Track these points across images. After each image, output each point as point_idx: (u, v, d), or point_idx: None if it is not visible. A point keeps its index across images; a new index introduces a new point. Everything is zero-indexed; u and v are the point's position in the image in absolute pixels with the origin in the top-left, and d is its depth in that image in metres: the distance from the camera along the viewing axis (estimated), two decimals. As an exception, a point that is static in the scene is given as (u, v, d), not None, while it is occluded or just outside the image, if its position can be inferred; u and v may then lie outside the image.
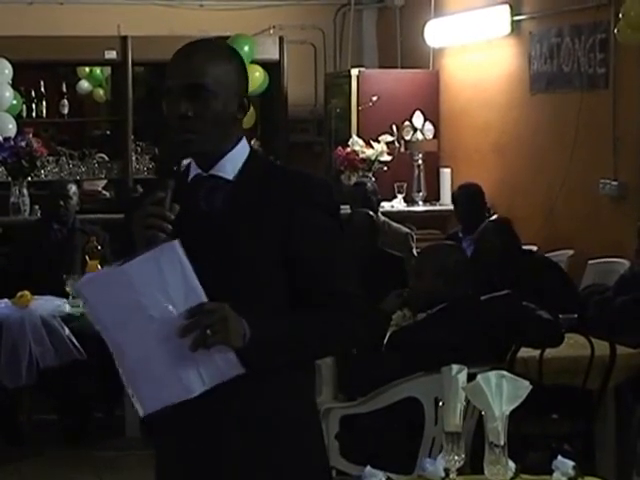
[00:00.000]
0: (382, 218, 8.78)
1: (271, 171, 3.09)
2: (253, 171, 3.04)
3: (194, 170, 3.08)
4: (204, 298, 2.78)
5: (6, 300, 7.69)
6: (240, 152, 3.06)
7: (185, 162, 3.11)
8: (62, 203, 8.50)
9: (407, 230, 8.72)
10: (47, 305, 7.59)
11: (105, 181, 11.67)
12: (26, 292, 7.61)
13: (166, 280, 2.77)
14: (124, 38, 11.06)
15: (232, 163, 3.04)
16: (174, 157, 3.07)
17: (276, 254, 2.95)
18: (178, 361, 2.77)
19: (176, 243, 2.80)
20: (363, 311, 3.06)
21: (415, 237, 8.63)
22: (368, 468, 3.84)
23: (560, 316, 6.26)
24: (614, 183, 8.37)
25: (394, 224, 8.77)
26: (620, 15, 7.61)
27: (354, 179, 9.90)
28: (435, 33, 10.56)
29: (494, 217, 7.72)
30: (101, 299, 2.86)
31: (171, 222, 2.90)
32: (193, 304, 2.76)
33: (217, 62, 3.01)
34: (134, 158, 11.47)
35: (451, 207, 9.00)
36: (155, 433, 3.11)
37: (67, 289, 7.76)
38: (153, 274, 2.78)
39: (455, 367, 3.88)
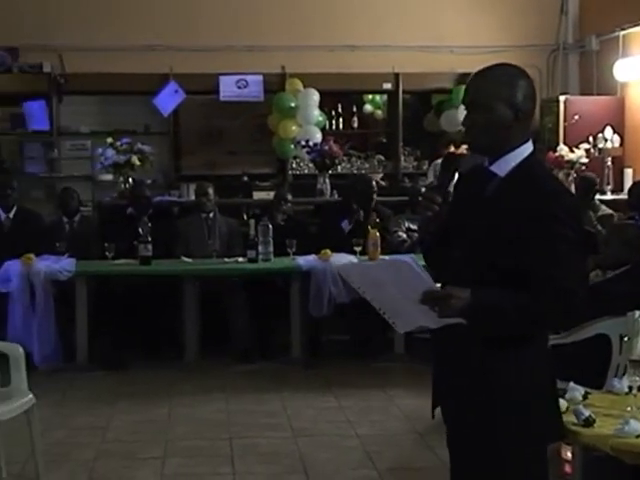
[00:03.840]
0: (597, 202, 8.66)
1: (532, 176, 2.84)
2: (522, 172, 2.84)
3: (486, 163, 2.94)
4: (434, 286, 2.76)
5: (313, 255, 7.80)
6: (519, 153, 2.86)
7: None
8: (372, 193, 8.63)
9: (611, 212, 8.48)
10: (342, 259, 7.65)
11: (382, 174, 11.69)
12: (327, 250, 7.71)
13: (398, 275, 2.80)
14: (397, 74, 11.04)
15: (507, 162, 2.86)
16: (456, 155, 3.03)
17: (509, 241, 2.77)
18: (415, 309, 2.77)
19: (409, 260, 2.78)
20: (566, 303, 2.71)
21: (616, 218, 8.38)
22: (571, 384, 3.75)
23: None
24: None
25: (604, 206, 8.60)
26: None
27: (560, 175, 9.67)
28: (622, 70, 10.19)
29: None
30: (356, 274, 2.98)
31: (439, 203, 2.89)
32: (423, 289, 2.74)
33: (487, 82, 2.88)
34: (402, 158, 11.47)
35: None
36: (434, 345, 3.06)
37: (355, 248, 7.83)
38: (387, 271, 2.84)
39: (637, 312, 3.76)
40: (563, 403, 3.56)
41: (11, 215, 8.38)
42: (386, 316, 2.92)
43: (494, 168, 2.89)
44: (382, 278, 2.84)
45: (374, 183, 8.85)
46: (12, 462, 5.26)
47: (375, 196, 8.65)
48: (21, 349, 5.21)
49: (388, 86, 11.17)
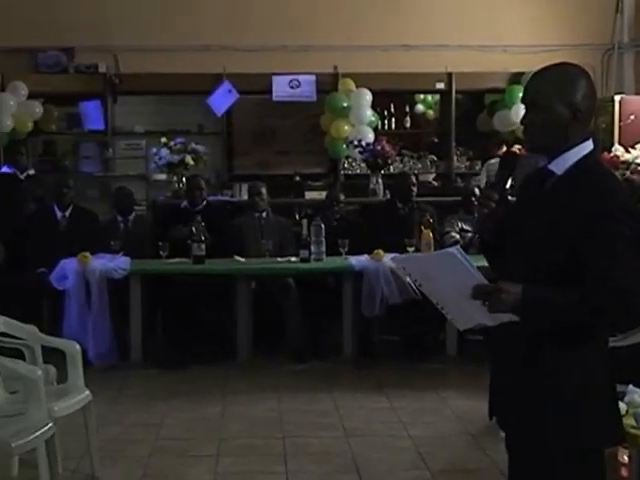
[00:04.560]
0: (645, 201, 8.55)
1: (589, 173, 2.83)
2: (579, 170, 2.83)
3: (545, 162, 2.93)
4: (483, 280, 2.73)
5: (365, 255, 7.79)
6: (577, 152, 2.86)
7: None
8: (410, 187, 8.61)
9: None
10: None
11: (434, 174, 11.65)
12: (380, 250, 7.69)
13: (446, 268, 2.78)
14: (450, 74, 11.00)
15: (564, 160, 2.86)
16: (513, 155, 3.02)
17: (566, 238, 2.74)
18: (469, 305, 2.75)
19: (454, 250, 2.77)
20: (625, 303, 2.64)
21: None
22: (630, 386, 3.71)
23: None
24: None
25: (654, 206, 8.48)
26: None
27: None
28: (679, 68, 10.12)
29: None
30: (409, 266, 3.02)
31: (495, 201, 2.90)
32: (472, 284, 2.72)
33: (547, 81, 2.87)
34: (455, 158, 11.44)
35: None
36: (489, 345, 3.05)
37: (408, 248, 7.80)
38: (436, 264, 2.84)
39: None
40: (622, 406, 3.53)
41: (67, 214, 8.50)
42: (444, 311, 2.91)
43: (552, 166, 2.89)
44: (432, 273, 2.84)
45: (412, 178, 8.82)
46: (68, 458, 5.33)
47: (414, 189, 8.62)
48: (78, 346, 5.28)
49: (441, 86, 11.14)
